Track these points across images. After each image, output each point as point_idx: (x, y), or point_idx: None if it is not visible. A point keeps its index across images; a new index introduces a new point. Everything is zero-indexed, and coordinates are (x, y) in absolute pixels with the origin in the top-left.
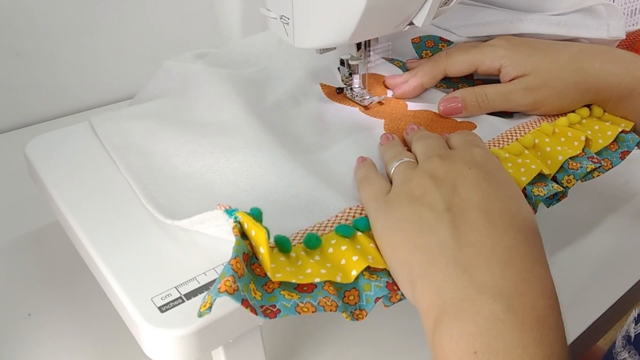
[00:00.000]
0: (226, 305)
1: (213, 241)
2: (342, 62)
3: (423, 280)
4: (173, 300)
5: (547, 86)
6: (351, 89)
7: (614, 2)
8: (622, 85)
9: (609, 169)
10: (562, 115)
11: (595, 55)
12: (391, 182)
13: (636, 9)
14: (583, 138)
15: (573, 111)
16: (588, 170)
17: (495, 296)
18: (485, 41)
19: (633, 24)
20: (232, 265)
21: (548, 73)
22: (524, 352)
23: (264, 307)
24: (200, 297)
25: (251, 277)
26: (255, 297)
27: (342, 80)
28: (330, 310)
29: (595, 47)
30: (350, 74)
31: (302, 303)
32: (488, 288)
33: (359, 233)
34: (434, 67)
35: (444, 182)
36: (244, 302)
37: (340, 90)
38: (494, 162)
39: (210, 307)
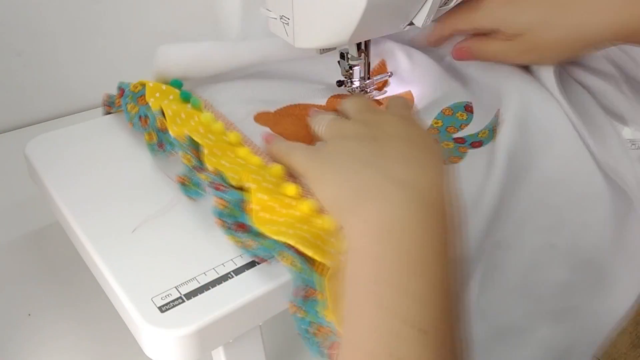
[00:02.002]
0: (226, 305)
1: (213, 241)
2: (342, 56)
3: (345, 190)
4: (173, 300)
5: (542, 48)
6: (351, 82)
7: None
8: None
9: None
10: None
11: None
12: None
13: None
14: None
15: None
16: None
17: (404, 186)
18: None
19: None
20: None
21: (542, 36)
22: (426, 230)
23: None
24: (200, 297)
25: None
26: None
27: (343, 74)
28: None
29: None
30: (351, 67)
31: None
32: (398, 181)
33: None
34: (442, 29)
35: (372, 124)
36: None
37: (340, 83)
38: (415, 117)
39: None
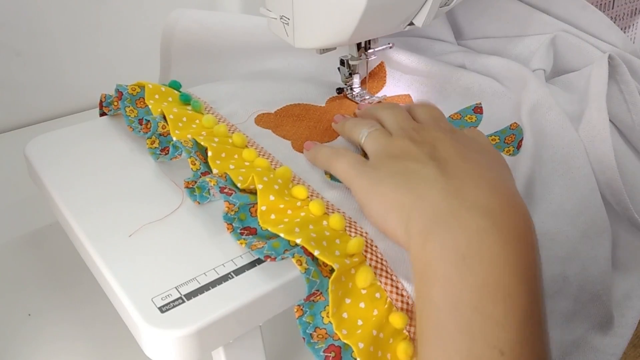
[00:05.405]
0: (226, 305)
1: (213, 242)
2: (342, 62)
3: (416, 211)
4: (173, 301)
5: None
6: (351, 88)
7: (614, 2)
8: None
9: None
10: None
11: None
12: (363, 152)
13: (636, 9)
14: None
15: None
16: None
17: (482, 214)
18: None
19: (633, 24)
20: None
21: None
22: (505, 261)
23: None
24: (200, 297)
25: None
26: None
27: (343, 81)
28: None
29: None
30: (350, 74)
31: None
32: (476, 207)
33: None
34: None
35: (422, 143)
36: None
37: (340, 91)
38: (459, 130)
39: None
